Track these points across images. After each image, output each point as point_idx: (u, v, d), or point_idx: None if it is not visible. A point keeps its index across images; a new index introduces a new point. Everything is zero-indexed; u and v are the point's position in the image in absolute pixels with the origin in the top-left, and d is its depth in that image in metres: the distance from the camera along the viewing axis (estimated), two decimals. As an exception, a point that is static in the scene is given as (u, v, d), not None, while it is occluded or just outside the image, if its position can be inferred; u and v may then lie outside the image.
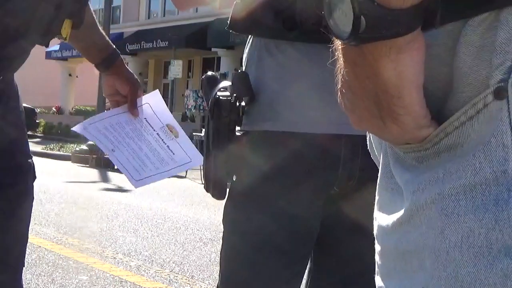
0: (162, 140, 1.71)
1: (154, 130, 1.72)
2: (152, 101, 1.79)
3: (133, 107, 1.74)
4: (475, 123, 0.60)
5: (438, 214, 0.61)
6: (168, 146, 1.70)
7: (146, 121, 1.74)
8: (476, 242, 0.58)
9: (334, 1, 0.59)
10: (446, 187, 0.61)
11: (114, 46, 1.81)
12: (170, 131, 1.72)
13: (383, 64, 0.60)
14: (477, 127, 0.60)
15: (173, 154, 1.69)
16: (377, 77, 0.60)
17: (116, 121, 1.74)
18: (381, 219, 0.70)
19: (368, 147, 0.81)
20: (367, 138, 0.81)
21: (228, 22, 1.44)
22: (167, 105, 1.84)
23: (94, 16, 1.78)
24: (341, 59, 0.63)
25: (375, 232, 0.72)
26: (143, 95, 1.80)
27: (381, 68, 0.60)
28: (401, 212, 0.66)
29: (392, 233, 0.67)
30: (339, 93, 0.66)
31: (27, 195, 1.68)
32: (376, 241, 0.71)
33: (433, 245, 0.61)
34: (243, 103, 1.43)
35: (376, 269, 0.72)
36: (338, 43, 0.63)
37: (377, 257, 0.71)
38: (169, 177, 1.81)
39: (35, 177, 1.73)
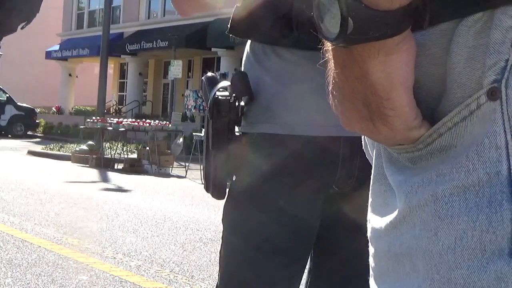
0: None
1: None
2: None
3: None
4: (469, 124, 0.60)
5: (431, 216, 0.60)
6: None
7: None
8: (470, 244, 0.57)
9: (323, 2, 0.59)
10: (439, 188, 0.60)
11: None
12: None
13: (371, 66, 0.59)
14: (470, 128, 0.60)
15: None
16: (366, 79, 0.60)
17: None
18: (375, 221, 0.70)
19: (363, 147, 0.81)
20: (362, 138, 0.81)
21: (228, 26, 1.44)
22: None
23: None
24: (331, 60, 0.63)
25: (368, 234, 0.71)
26: None
27: (370, 69, 0.60)
28: (394, 214, 0.65)
29: (385, 236, 0.66)
30: (330, 95, 0.66)
31: None
32: (370, 244, 0.71)
33: (426, 247, 0.60)
34: (242, 103, 1.44)
35: (370, 271, 0.71)
36: (328, 45, 0.63)
37: (371, 260, 0.71)
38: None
39: None
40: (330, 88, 0.65)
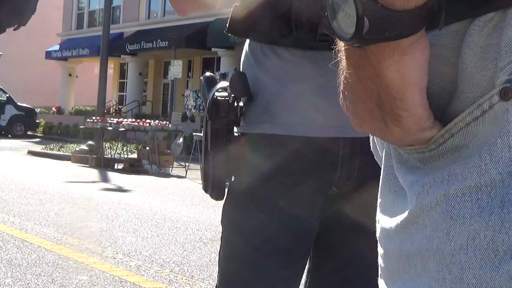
0: None
1: None
2: None
3: None
4: (481, 124, 0.60)
5: (443, 216, 0.60)
6: None
7: None
8: (482, 244, 0.57)
9: (338, 2, 0.59)
10: (451, 188, 0.60)
11: None
12: None
13: (386, 66, 0.59)
14: (482, 128, 0.59)
15: None
16: (380, 79, 0.60)
17: None
18: (384, 222, 0.69)
19: (372, 148, 0.81)
20: (370, 139, 0.81)
21: (227, 25, 1.44)
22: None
23: None
24: (344, 60, 0.63)
25: (378, 235, 0.71)
26: None
27: (384, 69, 0.59)
28: (405, 214, 0.65)
29: (395, 236, 0.66)
30: (341, 95, 0.65)
31: None
32: (379, 244, 0.71)
33: (437, 247, 0.60)
34: (241, 103, 1.44)
35: (380, 272, 0.71)
36: (341, 45, 0.63)
37: (380, 260, 0.70)
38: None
39: None
40: (341, 88, 0.65)
